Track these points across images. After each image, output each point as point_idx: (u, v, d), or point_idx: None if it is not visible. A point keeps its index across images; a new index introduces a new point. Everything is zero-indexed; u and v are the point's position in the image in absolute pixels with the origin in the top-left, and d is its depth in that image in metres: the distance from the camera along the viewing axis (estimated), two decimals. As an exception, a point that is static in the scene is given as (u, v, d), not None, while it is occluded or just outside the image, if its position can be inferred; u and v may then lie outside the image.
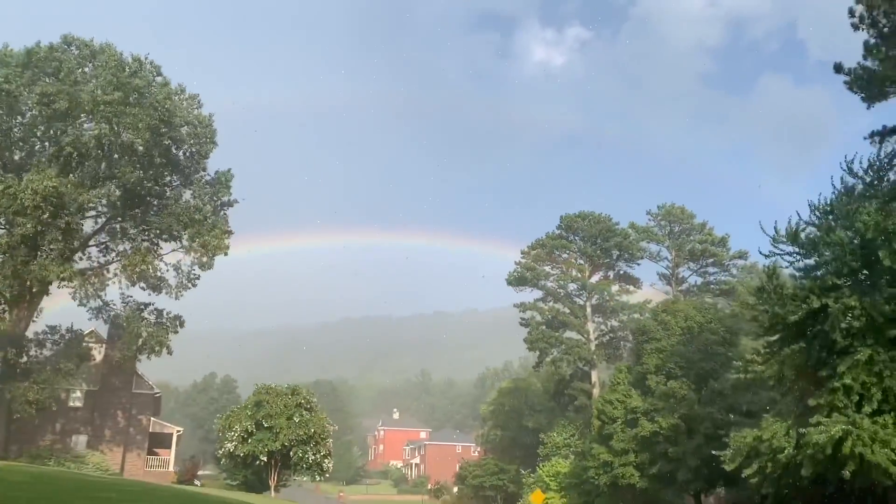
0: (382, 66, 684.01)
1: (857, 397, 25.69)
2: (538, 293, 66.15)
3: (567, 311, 64.71)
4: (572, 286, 65.80)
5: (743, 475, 29.10)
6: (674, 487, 40.73)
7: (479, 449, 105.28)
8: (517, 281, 64.59)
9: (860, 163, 29.55)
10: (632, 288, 66.51)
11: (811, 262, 29.13)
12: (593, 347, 63.52)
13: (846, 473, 25.98)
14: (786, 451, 27.41)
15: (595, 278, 66.66)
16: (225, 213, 47.64)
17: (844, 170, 29.80)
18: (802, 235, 29.43)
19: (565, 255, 65.67)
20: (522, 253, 65.92)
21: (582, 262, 66.36)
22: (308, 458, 50.48)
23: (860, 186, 29.56)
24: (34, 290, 42.29)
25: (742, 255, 63.57)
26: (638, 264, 66.87)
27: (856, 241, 26.50)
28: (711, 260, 64.00)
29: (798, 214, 30.14)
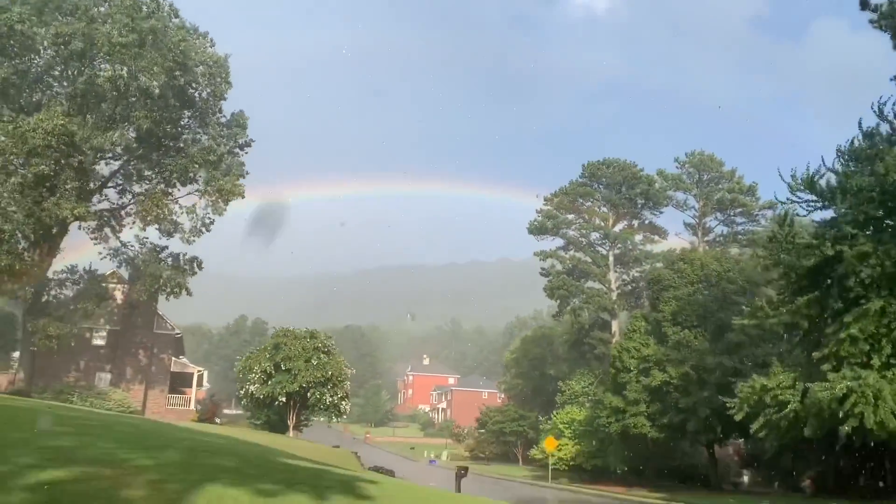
0: (421, 10, 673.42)
1: (867, 347, 24.88)
2: (560, 242, 65.37)
3: (589, 260, 63.83)
4: (595, 235, 64.81)
5: (751, 430, 28.63)
6: (685, 438, 40.43)
7: (503, 395, 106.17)
8: (538, 229, 63.74)
9: (892, 106, 28.01)
10: (656, 237, 65.29)
11: (830, 210, 28.03)
12: (615, 297, 62.72)
13: (846, 429, 25.41)
14: (790, 405, 26.83)
15: (619, 227, 65.42)
16: (241, 155, 47.73)
17: (875, 112, 28.27)
18: (822, 182, 28.23)
19: (588, 204, 64.45)
20: (545, 200, 64.89)
21: (605, 210, 65.08)
22: (325, 399, 51.32)
23: (887, 131, 28.07)
24: (54, 230, 42.93)
25: (772, 206, 61.27)
26: (662, 213, 65.49)
27: (876, 189, 25.23)
28: (740, 210, 62.20)
29: (822, 161, 28.88)
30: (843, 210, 25.88)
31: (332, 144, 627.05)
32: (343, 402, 52.53)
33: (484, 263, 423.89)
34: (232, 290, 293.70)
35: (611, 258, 64.05)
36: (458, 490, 31.06)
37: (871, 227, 25.36)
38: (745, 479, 49.54)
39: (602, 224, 64.56)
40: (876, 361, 24.74)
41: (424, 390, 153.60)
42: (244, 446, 20.64)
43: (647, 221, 65.84)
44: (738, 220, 63.75)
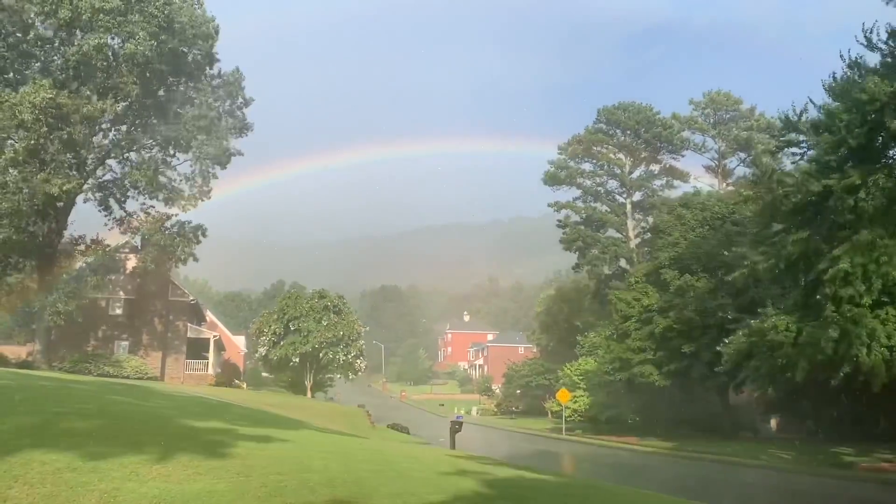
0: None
1: (861, 287, 23.45)
2: (577, 192, 63.70)
3: (606, 209, 62.14)
4: (612, 183, 62.99)
5: (738, 378, 27.59)
6: (693, 385, 39.37)
7: (536, 349, 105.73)
8: (551, 180, 62.11)
9: (877, 33, 25.77)
10: (677, 182, 63.10)
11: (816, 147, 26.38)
12: (633, 245, 61.07)
13: (840, 375, 24.26)
14: (783, 348, 25.66)
15: (636, 173, 63.41)
16: (239, 115, 47.54)
17: (862, 43, 26.12)
18: (805, 120, 26.65)
19: (604, 150, 62.39)
20: (559, 149, 63.12)
21: (622, 156, 63.00)
22: (339, 358, 51.67)
23: (878, 60, 25.92)
24: (59, 204, 43.46)
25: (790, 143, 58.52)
26: (683, 156, 63.09)
27: (857, 118, 23.47)
28: (762, 147, 59.38)
29: (809, 99, 27.16)
30: (824, 146, 24.24)
31: (371, 106, 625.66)
32: (357, 361, 52.90)
33: (528, 219, 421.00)
34: (272, 256, 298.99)
35: (628, 206, 62.26)
36: (453, 445, 30.70)
37: (857, 159, 23.62)
38: (773, 424, 48.22)
39: (619, 171, 62.62)
40: (867, 300, 23.34)
41: (463, 348, 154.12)
42: (197, 407, 20.59)
43: (667, 165, 63.62)
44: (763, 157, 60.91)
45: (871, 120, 22.34)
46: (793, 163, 28.71)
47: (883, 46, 25.19)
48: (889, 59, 24.78)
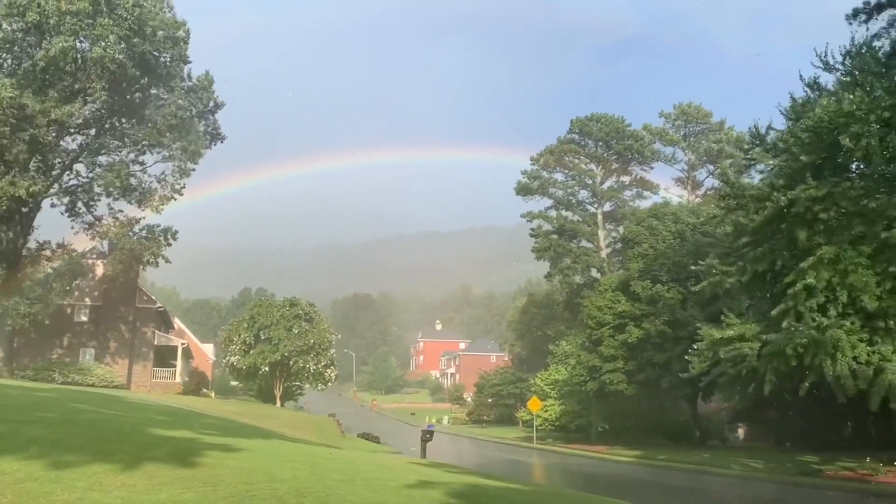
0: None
1: (823, 299, 23.92)
2: (549, 202, 64.15)
3: (578, 219, 62.65)
4: (583, 193, 63.52)
5: (701, 383, 27.95)
6: (663, 395, 39.77)
7: (508, 358, 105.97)
8: (524, 190, 62.49)
9: (831, 55, 26.47)
10: (647, 193, 63.81)
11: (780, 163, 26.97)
12: (604, 255, 61.62)
13: (805, 385, 24.73)
14: (748, 359, 26.07)
15: (607, 184, 64.03)
16: (211, 119, 47.21)
17: (818, 66, 26.80)
18: (770, 137, 27.33)
19: (575, 161, 62.93)
20: (532, 160, 63.55)
21: (593, 167, 63.61)
22: (309, 367, 51.24)
23: (837, 77, 26.59)
24: (25, 208, 42.68)
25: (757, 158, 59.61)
26: (652, 168, 63.91)
27: (810, 135, 24.11)
28: (730, 161, 60.36)
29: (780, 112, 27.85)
30: (787, 162, 24.87)
31: (345, 114, 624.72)
32: (328, 370, 52.48)
33: (501, 228, 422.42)
34: (242, 263, 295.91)
35: (600, 216, 62.84)
36: (424, 454, 30.62)
37: (818, 176, 24.18)
38: (741, 433, 48.84)
39: (590, 182, 63.19)
40: (833, 312, 23.78)
41: (435, 356, 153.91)
42: (164, 416, 20.28)
43: (637, 176, 64.37)
44: (729, 171, 61.87)
45: (826, 139, 22.90)
46: (760, 174, 29.25)
47: (839, 67, 25.92)
48: (846, 79, 25.45)
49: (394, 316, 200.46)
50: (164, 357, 54.48)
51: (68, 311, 50.01)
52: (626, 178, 64.57)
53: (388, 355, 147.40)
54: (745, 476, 27.55)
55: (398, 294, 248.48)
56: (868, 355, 23.47)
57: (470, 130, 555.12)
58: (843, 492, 22.55)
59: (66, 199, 45.84)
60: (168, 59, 44.02)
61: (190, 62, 45.87)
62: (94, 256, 50.60)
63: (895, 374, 22.90)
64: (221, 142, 48.21)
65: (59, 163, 43.67)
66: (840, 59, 25.20)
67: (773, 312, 25.15)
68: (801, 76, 26.18)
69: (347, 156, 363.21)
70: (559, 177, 63.96)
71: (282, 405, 54.09)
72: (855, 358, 23.82)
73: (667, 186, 63.74)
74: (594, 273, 62.99)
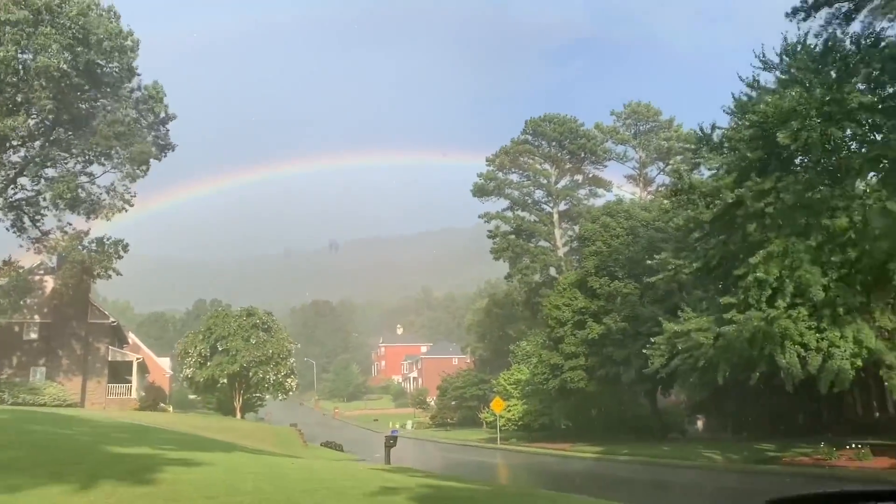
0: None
1: (770, 291, 24.55)
2: (505, 203, 64.58)
3: (534, 218, 63.20)
4: (539, 193, 64.09)
5: (658, 375, 28.44)
6: (623, 390, 40.30)
7: (470, 359, 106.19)
8: (480, 192, 62.84)
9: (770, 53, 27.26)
10: (601, 191, 64.71)
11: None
12: (561, 254, 62.27)
13: (755, 375, 25.35)
14: (703, 349, 26.63)
15: (562, 183, 64.74)
16: (162, 131, 46.44)
17: (757, 66, 27.54)
18: (716, 136, 28.04)
19: (530, 161, 63.50)
20: (487, 161, 63.90)
21: (547, 167, 64.26)
22: (269, 377, 50.59)
23: (776, 75, 27.39)
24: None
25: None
26: (605, 166, 64.83)
27: (754, 131, 24.83)
28: (680, 157, 61.62)
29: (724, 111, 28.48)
30: (732, 159, 25.57)
31: (297, 119, 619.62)
32: (288, 380, 51.87)
33: (459, 230, 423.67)
34: (196, 274, 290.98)
35: (555, 215, 63.49)
36: (388, 460, 30.49)
37: (762, 172, 24.89)
38: (700, 425, 49.75)
39: (545, 182, 63.80)
40: (781, 303, 24.42)
41: (397, 361, 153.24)
42: (121, 433, 19.84)
43: (590, 175, 65.19)
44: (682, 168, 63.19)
45: (770, 135, 23.55)
46: (710, 171, 29.89)
47: (777, 66, 26.74)
48: (785, 77, 26.24)
49: (354, 322, 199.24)
50: (119, 373, 53.18)
51: (16, 329, 48.51)
52: (579, 177, 65.42)
53: (349, 362, 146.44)
54: (705, 467, 28.07)
55: (358, 299, 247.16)
56: (817, 342, 24.16)
57: (425, 133, 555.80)
58: (801, 477, 23.12)
59: (10, 215, 44.65)
60: (116, 69, 43.13)
61: (139, 74, 45.03)
62: (43, 272, 49.16)
63: (843, 358, 23.62)
64: (172, 150, 47.53)
65: (3, 177, 42.45)
66: (777, 58, 25.93)
67: (723, 302, 25.78)
68: (739, 76, 26.87)
69: (300, 161, 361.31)
70: (515, 177, 64.57)
71: (242, 417, 53.33)
72: (804, 345, 24.52)
73: (619, 184, 64.86)
74: (552, 272, 63.54)
